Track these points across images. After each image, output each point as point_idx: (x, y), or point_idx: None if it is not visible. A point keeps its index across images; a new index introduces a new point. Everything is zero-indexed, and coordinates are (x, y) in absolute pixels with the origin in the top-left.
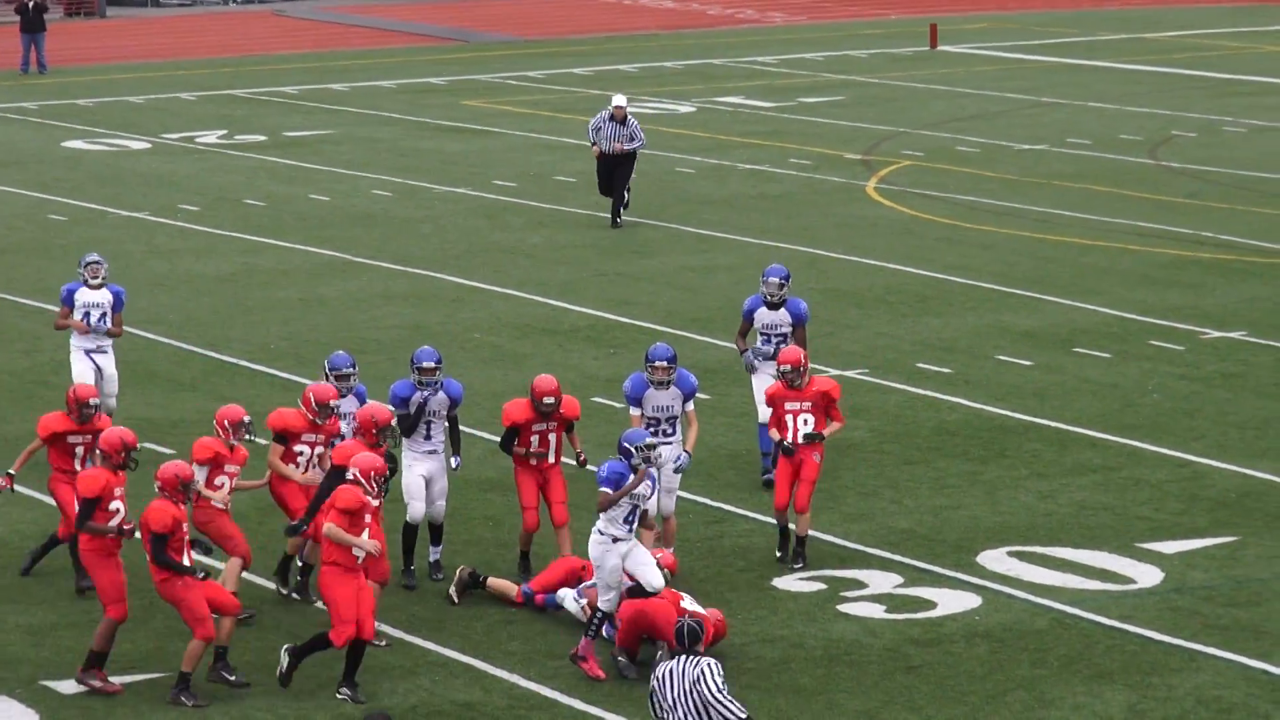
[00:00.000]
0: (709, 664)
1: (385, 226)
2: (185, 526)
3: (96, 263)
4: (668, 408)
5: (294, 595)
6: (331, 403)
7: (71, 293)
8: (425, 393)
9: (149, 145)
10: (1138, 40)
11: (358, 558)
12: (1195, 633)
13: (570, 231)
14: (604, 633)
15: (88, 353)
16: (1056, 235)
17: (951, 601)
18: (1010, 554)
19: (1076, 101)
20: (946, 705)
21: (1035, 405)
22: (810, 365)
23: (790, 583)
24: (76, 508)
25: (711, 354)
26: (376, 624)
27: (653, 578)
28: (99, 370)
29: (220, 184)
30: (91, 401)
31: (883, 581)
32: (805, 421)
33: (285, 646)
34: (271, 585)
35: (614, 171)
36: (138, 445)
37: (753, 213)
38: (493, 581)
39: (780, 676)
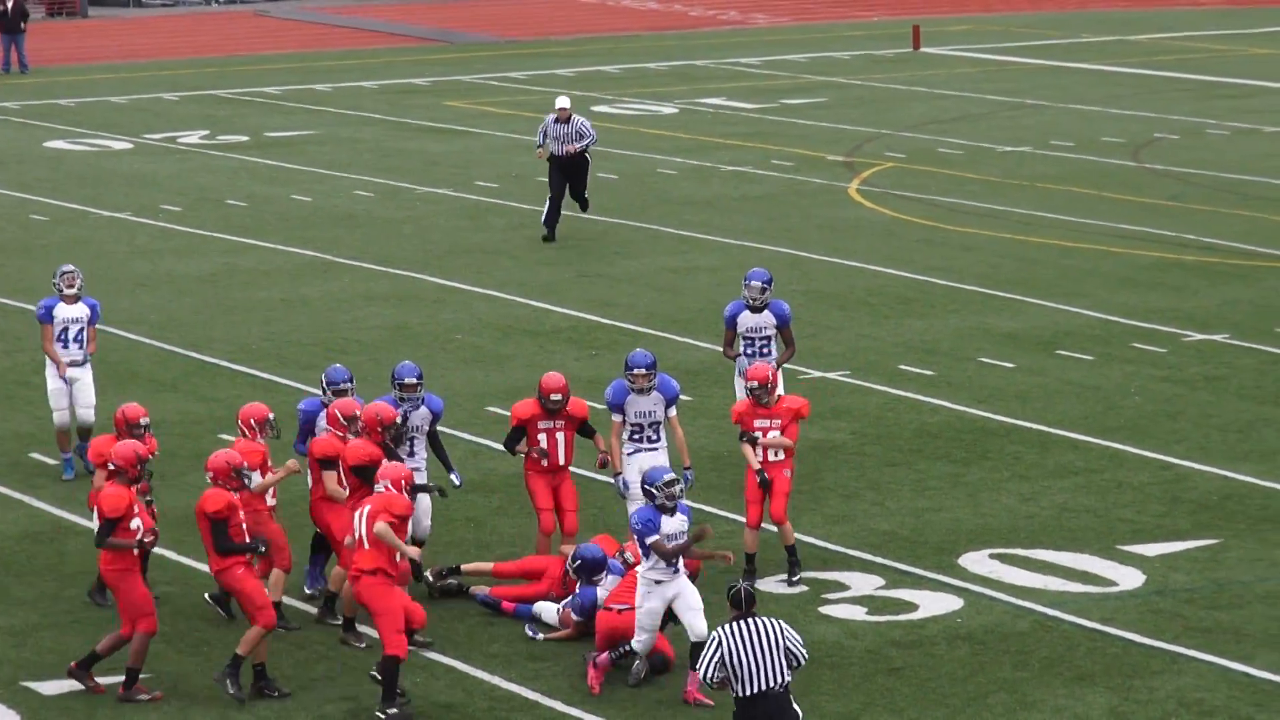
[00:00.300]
0: (780, 623)
1: (367, 227)
2: (240, 512)
3: (71, 271)
4: (650, 413)
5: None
6: (357, 413)
7: (49, 309)
8: (406, 408)
9: (131, 145)
10: (1120, 42)
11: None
12: (1177, 635)
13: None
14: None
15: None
16: (1039, 237)
17: (933, 603)
18: (992, 556)
19: (1059, 103)
20: (928, 707)
21: (1017, 407)
22: (783, 371)
23: (771, 585)
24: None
25: (693, 355)
26: (357, 626)
27: (699, 625)
28: (71, 384)
29: (202, 184)
30: (142, 421)
31: (864, 583)
32: (775, 450)
33: (378, 710)
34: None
35: (569, 177)
36: (150, 456)
37: (735, 214)
38: (466, 566)
39: None
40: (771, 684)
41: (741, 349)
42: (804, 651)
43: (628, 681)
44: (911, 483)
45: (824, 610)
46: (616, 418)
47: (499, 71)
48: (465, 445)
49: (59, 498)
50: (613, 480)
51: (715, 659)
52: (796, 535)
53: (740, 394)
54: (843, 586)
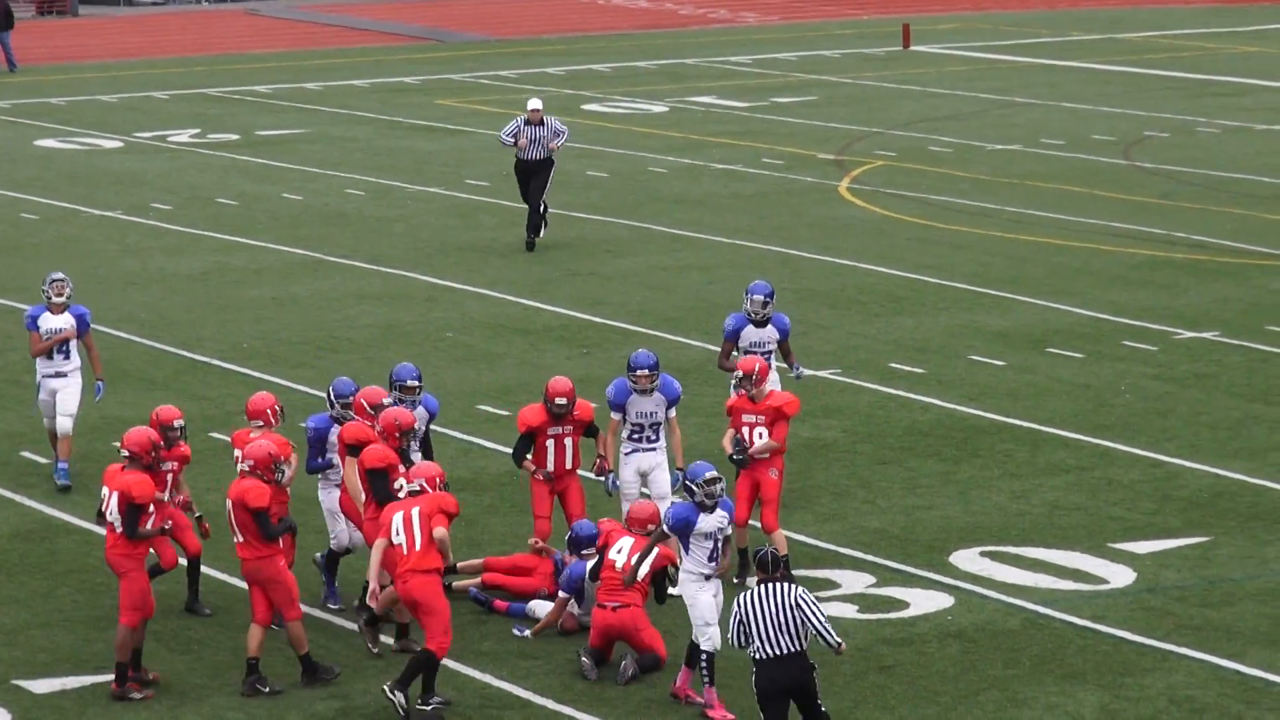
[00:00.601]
0: (803, 591)
1: (358, 226)
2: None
3: (60, 280)
4: (651, 414)
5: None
6: (385, 400)
7: (35, 319)
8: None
9: (121, 144)
10: (1110, 40)
11: None
12: (1168, 633)
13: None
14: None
15: (45, 378)
16: (1029, 235)
17: (924, 601)
18: (983, 554)
19: (1049, 101)
20: (919, 705)
21: (1008, 405)
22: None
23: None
24: (119, 513)
25: (684, 354)
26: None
27: (716, 638)
28: (55, 394)
29: (193, 183)
30: (175, 424)
31: (855, 581)
32: (760, 435)
33: (389, 685)
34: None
35: (530, 180)
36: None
37: (726, 212)
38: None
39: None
40: (790, 648)
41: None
42: (822, 620)
43: (617, 680)
44: (902, 481)
45: None
46: (615, 416)
47: (490, 70)
48: (456, 444)
49: (50, 496)
50: (601, 479)
51: (735, 622)
52: (787, 533)
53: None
54: (834, 584)
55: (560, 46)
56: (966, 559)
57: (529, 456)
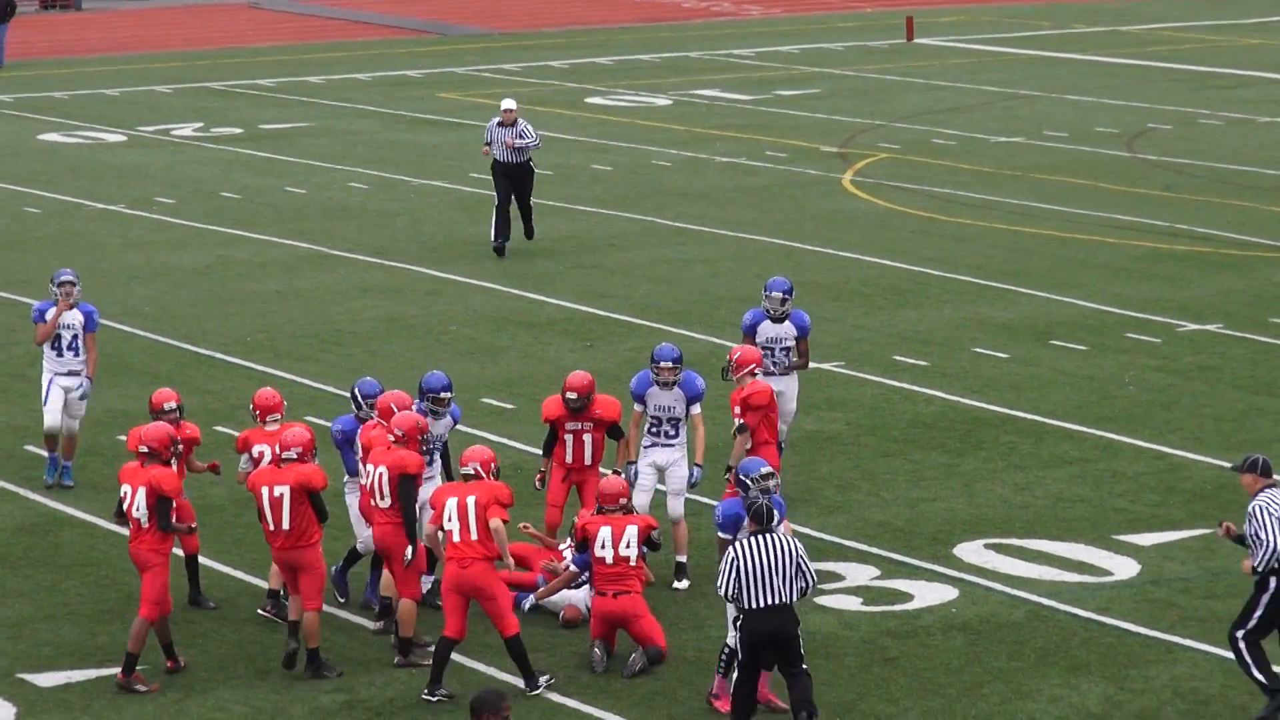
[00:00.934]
0: (794, 540)
1: (361, 219)
2: None
3: (70, 282)
4: (670, 408)
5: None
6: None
7: (42, 312)
8: (431, 419)
9: (125, 138)
10: (1113, 33)
11: None
12: (1172, 624)
13: (546, 223)
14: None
15: (57, 376)
16: (1033, 228)
17: (928, 594)
18: (987, 546)
19: (1053, 94)
20: (923, 697)
21: (1012, 397)
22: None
23: None
24: (148, 508)
25: (688, 347)
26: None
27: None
28: (67, 394)
29: (196, 176)
30: (166, 406)
31: (859, 574)
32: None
33: (527, 688)
34: (241, 575)
35: (514, 186)
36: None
37: (729, 205)
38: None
39: None
40: (780, 599)
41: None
42: (814, 576)
43: (624, 673)
44: (906, 473)
45: (819, 601)
46: (638, 407)
47: (492, 63)
48: (461, 438)
49: (54, 490)
50: (622, 470)
51: (730, 573)
52: (794, 526)
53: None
54: (838, 577)
55: (562, 40)
56: (970, 551)
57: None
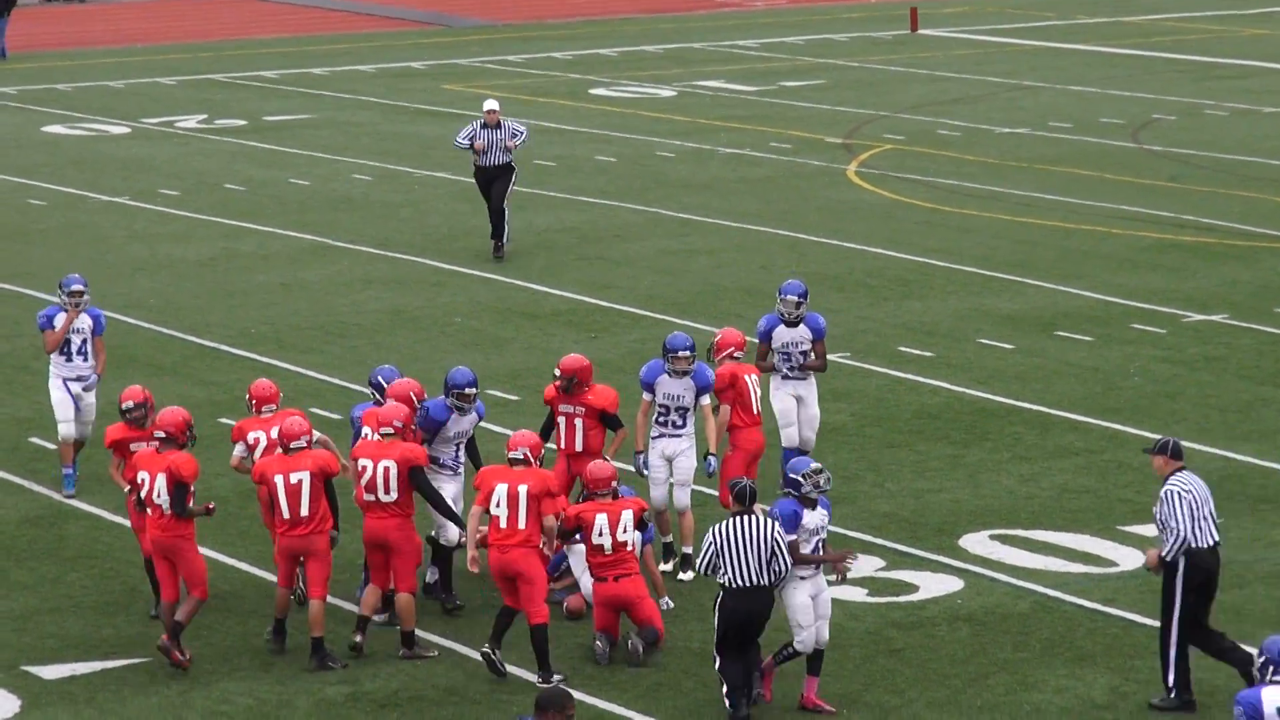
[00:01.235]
0: (775, 523)
1: (365, 210)
2: None
3: (80, 292)
4: (679, 397)
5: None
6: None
7: (50, 319)
8: (457, 415)
9: (128, 130)
10: (1117, 24)
11: None
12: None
13: (550, 215)
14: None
15: (66, 381)
16: (1038, 219)
17: (933, 585)
18: (992, 537)
19: (1057, 85)
20: (929, 688)
21: (1017, 388)
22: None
23: None
24: (169, 493)
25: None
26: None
27: (823, 633)
28: (78, 400)
29: (200, 168)
30: (124, 405)
31: (864, 565)
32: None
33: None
34: (246, 567)
35: (491, 186)
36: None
37: (733, 196)
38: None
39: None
40: (759, 579)
41: (777, 363)
42: (789, 561)
43: (627, 661)
44: (911, 464)
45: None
46: (646, 397)
47: (496, 55)
48: None
49: (59, 482)
50: (632, 460)
51: (709, 553)
52: None
53: (775, 404)
54: None
55: (566, 31)
56: (976, 542)
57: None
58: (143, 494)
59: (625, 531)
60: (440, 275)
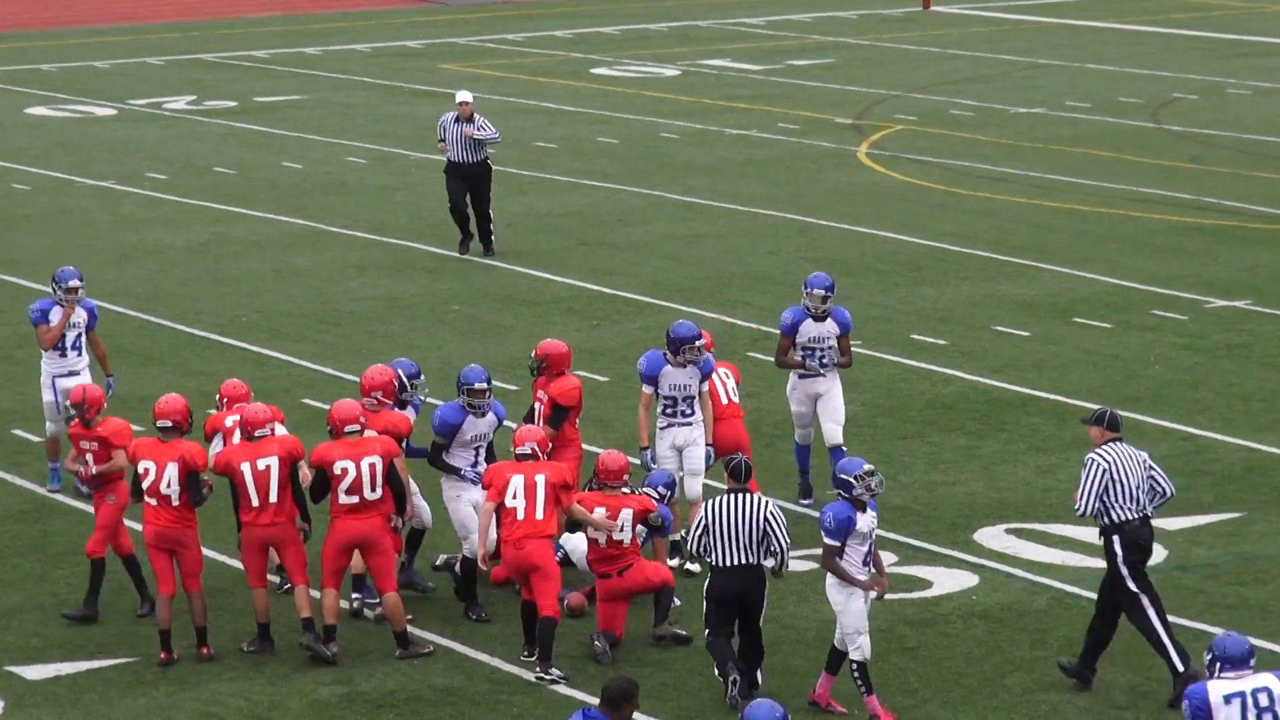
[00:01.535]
0: (775, 506)
1: (360, 195)
2: None
3: (77, 288)
4: (685, 386)
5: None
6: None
7: (45, 312)
8: (472, 415)
9: (115, 111)
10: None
11: None
12: (1200, 612)
13: (551, 199)
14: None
15: (58, 378)
16: (1055, 201)
17: (948, 581)
18: (1008, 531)
19: (1074, 63)
20: (943, 688)
21: (1033, 377)
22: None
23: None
24: (180, 484)
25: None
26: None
27: (867, 647)
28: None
29: (189, 151)
30: (66, 404)
31: None
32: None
33: (539, 671)
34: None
35: (471, 187)
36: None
37: (740, 179)
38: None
39: (771, 658)
40: (748, 559)
41: (798, 356)
42: (786, 540)
43: (601, 662)
44: (925, 456)
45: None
46: (647, 389)
47: (494, 33)
48: None
49: (43, 476)
50: (639, 457)
51: (699, 530)
52: (803, 509)
53: (792, 404)
54: None
55: (567, 9)
56: (991, 536)
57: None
58: (145, 485)
59: (622, 530)
60: (437, 261)
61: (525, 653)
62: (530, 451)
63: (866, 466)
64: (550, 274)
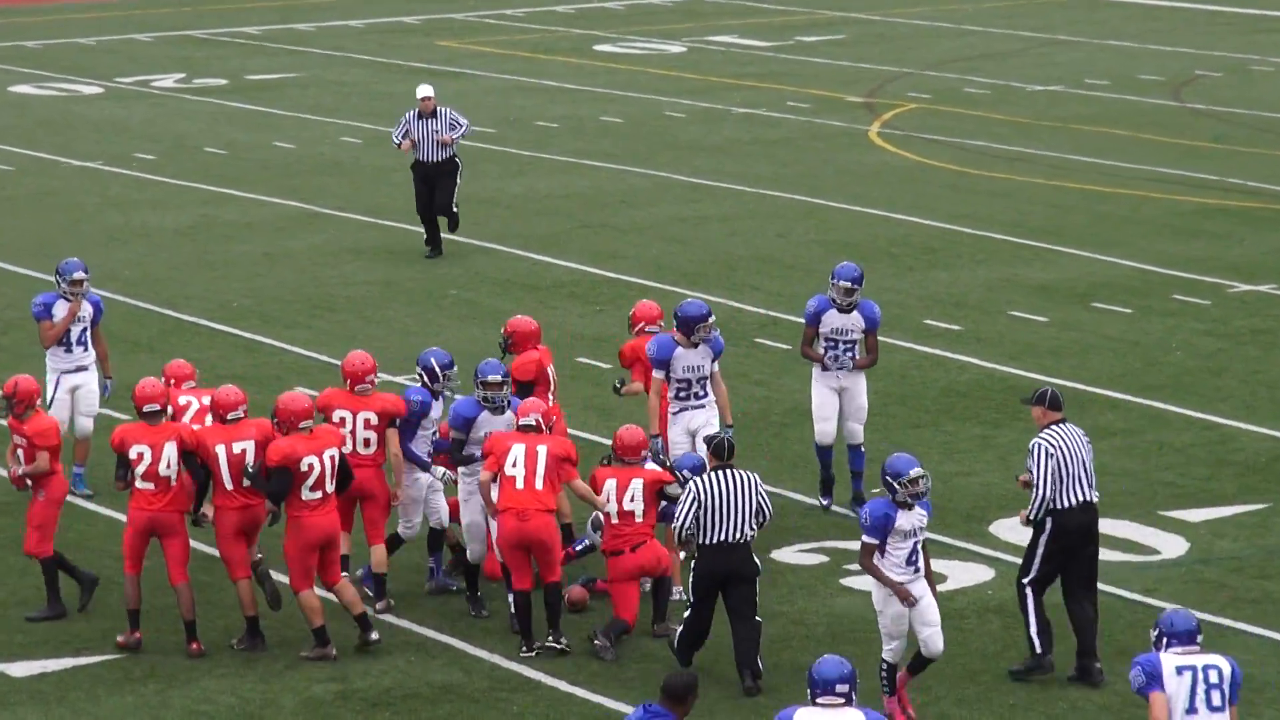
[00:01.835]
0: (753, 475)
1: (355, 176)
2: None
3: (82, 280)
4: (699, 367)
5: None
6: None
7: (49, 306)
8: (487, 409)
9: (102, 90)
10: None
11: None
12: (1223, 606)
13: (552, 180)
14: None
15: (64, 375)
16: (1073, 182)
17: (962, 574)
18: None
19: (1093, 39)
20: (957, 685)
21: (1051, 364)
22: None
23: (790, 555)
24: (178, 465)
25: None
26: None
27: (936, 644)
28: (75, 391)
29: (178, 131)
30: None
31: None
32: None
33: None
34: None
35: (435, 185)
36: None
37: (747, 159)
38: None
39: (780, 655)
40: (736, 536)
41: (823, 351)
42: (770, 508)
43: (604, 659)
44: (939, 445)
45: (845, 582)
46: (659, 374)
47: (494, 9)
48: None
49: None
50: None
51: (690, 511)
52: (814, 501)
53: (814, 396)
54: None
55: None
56: (1008, 529)
57: None
58: (141, 470)
59: (633, 500)
60: None
61: (524, 649)
62: (534, 423)
63: (915, 471)
64: (551, 257)
